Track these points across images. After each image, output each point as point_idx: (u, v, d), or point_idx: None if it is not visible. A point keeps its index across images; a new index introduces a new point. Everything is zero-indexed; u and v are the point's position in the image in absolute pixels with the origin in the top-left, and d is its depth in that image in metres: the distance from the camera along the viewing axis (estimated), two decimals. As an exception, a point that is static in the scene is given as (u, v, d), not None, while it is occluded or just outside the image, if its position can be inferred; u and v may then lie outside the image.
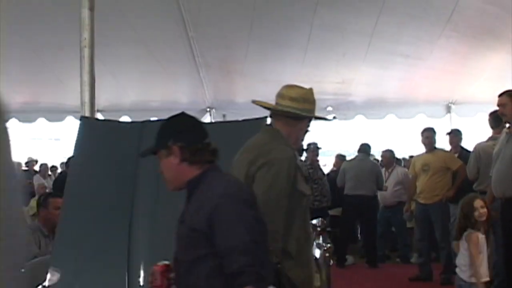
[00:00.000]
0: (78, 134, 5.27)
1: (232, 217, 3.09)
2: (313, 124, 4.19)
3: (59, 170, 17.67)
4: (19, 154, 20.42)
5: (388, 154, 12.55)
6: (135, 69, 13.36)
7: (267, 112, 4.29)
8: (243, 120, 5.27)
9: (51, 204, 5.95)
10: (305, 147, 11.29)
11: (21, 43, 12.08)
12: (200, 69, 12.93)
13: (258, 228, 3.12)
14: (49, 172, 18.13)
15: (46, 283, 4.60)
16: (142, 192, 4.82)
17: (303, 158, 11.51)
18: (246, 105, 14.17)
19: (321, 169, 12.10)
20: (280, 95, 4.12)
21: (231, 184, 3.31)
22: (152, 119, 5.23)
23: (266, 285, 3.03)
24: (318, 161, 12.10)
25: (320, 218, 6.47)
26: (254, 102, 4.27)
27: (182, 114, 3.45)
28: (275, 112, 4.09)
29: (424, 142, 10.03)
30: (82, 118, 5.38)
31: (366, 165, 11.93)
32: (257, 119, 5.16)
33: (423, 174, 9.84)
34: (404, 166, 13.52)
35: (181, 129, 3.38)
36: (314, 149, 11.82)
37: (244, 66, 12.93)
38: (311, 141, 11.84)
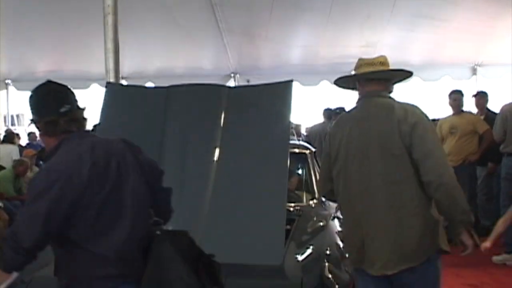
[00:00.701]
0: (104, 100, 5.29)
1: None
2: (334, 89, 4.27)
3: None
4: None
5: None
6: (159, 36, 13.35)
7: (290, 77, 4.32)
8: (269, 84, 5.26)
9: None
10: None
11: (46, 11, 12.13)
12: (224, 35, 12.90)
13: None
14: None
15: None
16: (168, 158, 4.83)
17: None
18: (270, 70, 14.27)
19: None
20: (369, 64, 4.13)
21: (60, 159, 3.16)
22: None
23: None
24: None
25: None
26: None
27: (41, 85, 3.31)
28: (373, 77, 4.10)
29: (451, 105, 9.90)
30: (108, 84, 5.39)
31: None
32: (282, 82, 5.15)
33: (451, 136, 9.74)
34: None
35: (34, 103, 3.27)
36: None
37: (268, 31, 12.88)
38: (338, 105, 11.83)
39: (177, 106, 5.05)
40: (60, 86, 3.30)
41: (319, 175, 4.21)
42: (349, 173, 3.94)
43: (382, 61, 4.13)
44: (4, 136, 13.77)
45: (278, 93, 5.10)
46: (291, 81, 5.10)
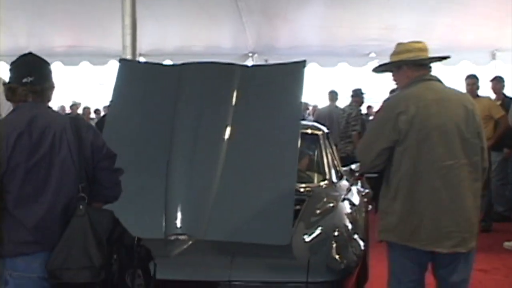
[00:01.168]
0: (117, 76, 5.31)
1: None
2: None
3: (102, 114, 17.85)
4: (63, 98, 20.68)
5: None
6: (178, 13, 13.31)
7: (308, 58, 4.42)
8: (281, 64, 5.25)
9: None
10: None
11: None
12: (243, 14, 12.84)
13: None
14: (93, 116, 18.35)
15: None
16: (179, 136, 4.84)
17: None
18: (288, 50, 14.23)
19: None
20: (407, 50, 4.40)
21: (1, 124, 3.51)
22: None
23: None
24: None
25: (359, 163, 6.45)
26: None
27: (21, 55, 3.62)
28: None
29: (467, 89, 9.88)
30: (121, 61, 5.40)
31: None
32: (294, 62, 5.15)
33: (466, 121, 9.73)
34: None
35: (9, 70, 3.56)
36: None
37: (287, 11, 12.82)
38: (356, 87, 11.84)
39: (189, 84, 5.06)
40: (34, 59, 3.61)
41: (366, 148, 4.21)
42: (425, 149, 4.08)
43: (426, 47, 4.42)
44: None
45: (291, 73, 5.11)
46: (304, 61, 5.10)
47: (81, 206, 3.38)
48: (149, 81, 5.18)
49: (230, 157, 4.76)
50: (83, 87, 24.45)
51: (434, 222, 4.06)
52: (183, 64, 5.20)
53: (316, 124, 7.18)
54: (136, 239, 3.61)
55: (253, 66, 5.19)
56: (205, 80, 5.10)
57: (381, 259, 4.60)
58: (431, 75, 4.38)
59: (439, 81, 4.38)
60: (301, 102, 5.12)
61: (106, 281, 3.34)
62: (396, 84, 4.58)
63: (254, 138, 4.88)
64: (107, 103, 14.36)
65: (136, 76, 5.23)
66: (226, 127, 4.88)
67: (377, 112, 4.56)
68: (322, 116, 12.51)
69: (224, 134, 4.86)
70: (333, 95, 13.09)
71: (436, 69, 4.48)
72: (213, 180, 4.67)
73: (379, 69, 4.70)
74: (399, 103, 4.20)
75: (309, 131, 5.92)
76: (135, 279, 3.54)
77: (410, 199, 4.10)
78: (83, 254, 3.29)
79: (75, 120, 3.61)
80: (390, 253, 4.30)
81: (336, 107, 12.80)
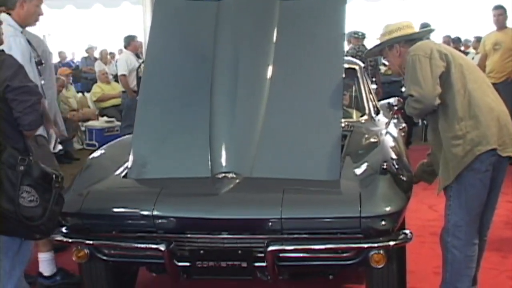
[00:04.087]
0: (153, 14, 5.21)
1: None
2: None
3: (117, 57, 17.70)
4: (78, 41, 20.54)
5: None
6: None
7: None
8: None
9: None
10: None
11: None
12: None
13: None
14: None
15: (129, 164, 4.63)
16: (221, 74, 4.76)
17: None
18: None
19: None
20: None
21: None
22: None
23: None
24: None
25: (397, 97, 6.38)
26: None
27: None
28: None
29: (494, 21, 9.72)
30: (157, -3, 5.28)
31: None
32: None
33: (494, 53, 9.59)
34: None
35: None
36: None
37: None
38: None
39: (228, 20, 4.95)
40: None
41: (426, 82, 4.17)
42: (466, 71, 4.34)
43: (412, 24, 4.62)
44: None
45: (331, 9, 4.98)
46: None
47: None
48: (187, 17, 5.05)
49: (273, 94, 4.68)
50: (96, 30, 24.16)
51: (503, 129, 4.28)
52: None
53: (352, 58, 7.07)
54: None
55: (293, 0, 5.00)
56: (244, 16, 4.98)
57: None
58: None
59: None
60: (343, 37, 5.00)
61: None
62: (389, 63, 4.87)
63: (297, 76, 4.80)
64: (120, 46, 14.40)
65: (174, 13, 5.10)
66: (268, 65, 4.79)
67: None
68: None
69: (266, 73, 4.77)
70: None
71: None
72: (257, 118, 4.61)
73: (372, 51, 5.08)
74: (435, 48, 4.36)
75: (346, 65, 5.83)
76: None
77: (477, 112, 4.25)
78: None
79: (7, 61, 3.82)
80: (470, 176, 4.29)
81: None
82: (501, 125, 4.27)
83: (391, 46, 4.54)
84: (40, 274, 5.30)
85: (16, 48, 4.81)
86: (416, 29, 4.61)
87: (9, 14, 5.07)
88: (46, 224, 3.64)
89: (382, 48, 4.64)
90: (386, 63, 4.92)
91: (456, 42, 16.05)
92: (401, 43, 4.50)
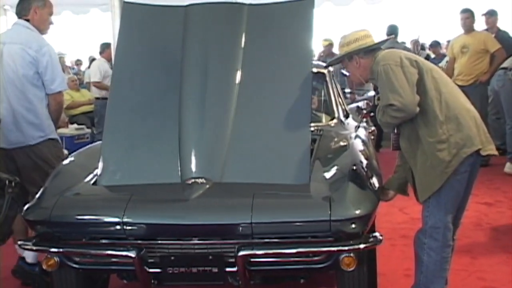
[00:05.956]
0: (122, 19, 5.21)
1: None
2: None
3: (85, 64, 17.57)
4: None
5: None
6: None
7: None
8: (289, 1, 5.11)
9: None
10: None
11: None
12: None
13: None
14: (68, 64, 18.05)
15: (98, 171, 4.61)
16: (190, 78, 4.75)
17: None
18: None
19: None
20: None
21: None
22: (196, 1, 5.04)
23: None
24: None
25: (366, 100, 6.42)
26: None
27: None
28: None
29: (461, 24, 9.83)
30: (125, 4, 5.24)
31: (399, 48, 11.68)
32: (302, 0, 5.03)
33: (462, 56, 9.69)
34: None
35: None
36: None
37: None
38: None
39: (196, 26, 4.94)
40: None
41: (404, 91, 4.18)
42: (436, 75, 4.43)
43: (370, 33, 4.64)
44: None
45: (299, 13, 4.99)
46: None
47: None
48: (155, 23, 5.05)
49: (242, 99, 4.69)
50: (65, 37, 24.02)
51: (480, 129, 4.35)
52: (190, 5, 5.04)
53: (320, 62, 7.09)
54: None
55: (260, 4, 4.98)
56: (212, 22, 4.98)
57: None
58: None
59: None
60: (312, 41, 5.01)
61: None
62: (350, 74, 4.80)
63: (265, 81, 4.81)
64: (90, 53, 14.36)
65: (141, 18, 5.09)
66: (236, 70, 4.80)
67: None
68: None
69: (235, 77, 4.78)
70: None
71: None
72: (226, 123, 4.61)
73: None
74: (405, 54, 4.45)
75: (314, 69, 5.85)
76: None
77: (457, 115, 4.31)
78: None
79: None
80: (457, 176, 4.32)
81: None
82: (478, 124, 4.33)
83: (351, 57, 4.59)
84: (23, 259, 5.42)
85: None
86: (381, 33, 4.65)
87: (27, 20, 5.39)
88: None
89: (342, 60, 4.70)
90: (347, 73, 4.94)
91: (434, 46, 16.21)
92: (360, 54, 4.55)
